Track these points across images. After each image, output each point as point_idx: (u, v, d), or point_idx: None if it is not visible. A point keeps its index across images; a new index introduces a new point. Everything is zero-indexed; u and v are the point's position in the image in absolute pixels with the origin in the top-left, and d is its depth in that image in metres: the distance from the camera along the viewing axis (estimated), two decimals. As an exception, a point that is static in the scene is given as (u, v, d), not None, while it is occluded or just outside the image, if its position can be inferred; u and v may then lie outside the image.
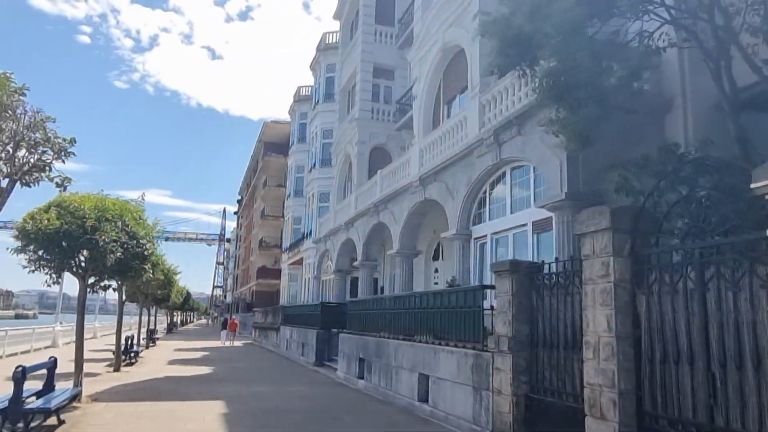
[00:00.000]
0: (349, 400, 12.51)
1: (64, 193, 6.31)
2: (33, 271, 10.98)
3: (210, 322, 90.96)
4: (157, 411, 10.44)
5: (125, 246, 11.21)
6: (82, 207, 10.92)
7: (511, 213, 11.67)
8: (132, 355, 19.67)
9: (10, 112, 5.72)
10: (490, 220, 12.56)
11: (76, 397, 9.64)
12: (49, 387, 8.94)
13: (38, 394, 8.69)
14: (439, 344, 10.14)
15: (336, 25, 31.36)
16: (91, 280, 12.06)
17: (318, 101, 33.27)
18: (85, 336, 34.66)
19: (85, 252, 10.96)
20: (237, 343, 36.12)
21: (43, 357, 21.34)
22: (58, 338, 27.35)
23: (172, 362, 21.19)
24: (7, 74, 5.83)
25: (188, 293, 60.57)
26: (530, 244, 10.84)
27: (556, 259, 7.83)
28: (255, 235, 58.54)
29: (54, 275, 11.23)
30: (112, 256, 10.79)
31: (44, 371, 9.23)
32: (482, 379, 8.40)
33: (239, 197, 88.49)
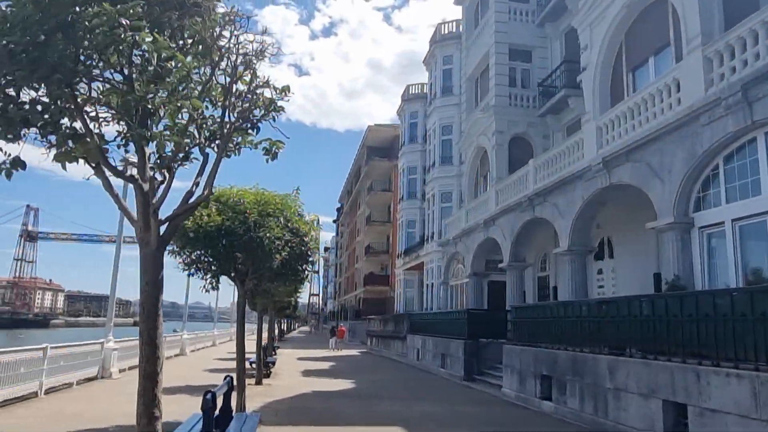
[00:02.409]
0: (551, 428, 10.23)
1: (272, 162, 4.47)
2: (191, 275, 9.74)
3: (313, 330, 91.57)
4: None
5: (290, 245, 9.67)
6: (242, 201, 9.53)
7: (772, 191, 8.96)
8: (267, 366, 18.50)
9: (210, 39, 3.95)
10: (727, 202, 9.86)
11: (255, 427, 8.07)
12: (225, 414, 7.38)
13: (216, 424, 7.15)
14: (700, 364, 7.67)
15: (452, 15, 29.41)
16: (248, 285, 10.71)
17: (434, 96, 31.36)
18: (205, 344, 34.50)
19: (243, 253, 9.52)
20: (352, 351, 34.79)
21: (174, 365, 20.81)
22: (185, 346, 27.20)
23: (305, 374, 19.86)
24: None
25: (296, 301, 60.80)
26: (815, 229, 8.10)
27: None
28: (360, 242, 57.52)
29: (212, 280, 9.91)
30: (278, 256, 9.27)
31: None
32: (821, 418, 5.89)
33: (339, 205, 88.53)
